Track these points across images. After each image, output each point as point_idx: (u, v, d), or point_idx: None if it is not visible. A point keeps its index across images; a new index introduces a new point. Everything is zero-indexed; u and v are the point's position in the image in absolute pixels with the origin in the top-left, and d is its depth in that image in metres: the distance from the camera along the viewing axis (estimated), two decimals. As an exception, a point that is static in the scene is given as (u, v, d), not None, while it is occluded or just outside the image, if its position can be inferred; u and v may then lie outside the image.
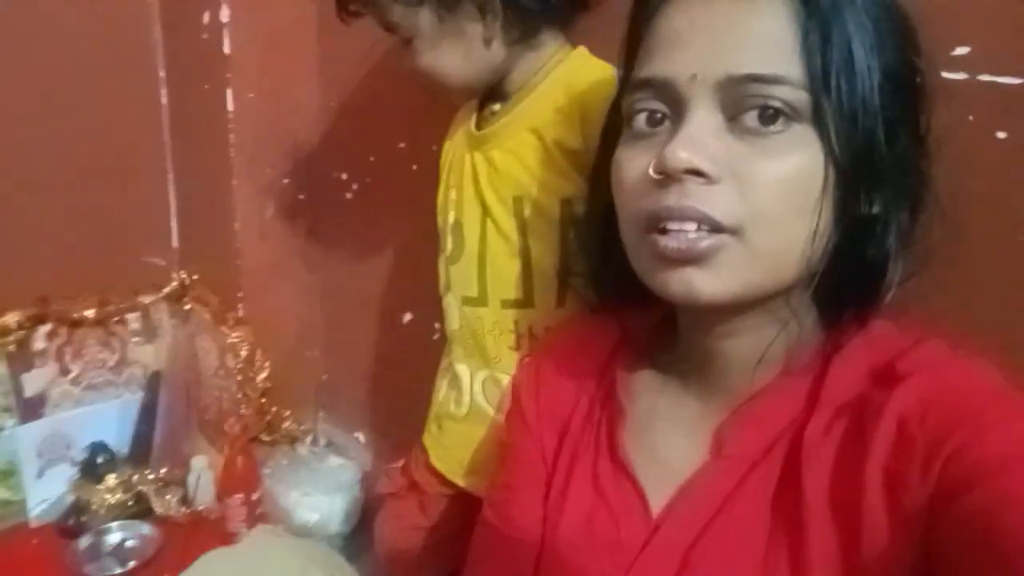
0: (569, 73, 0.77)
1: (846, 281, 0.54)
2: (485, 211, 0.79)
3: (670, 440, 0.61)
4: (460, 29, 0.74)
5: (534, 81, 0.78)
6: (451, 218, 0.84)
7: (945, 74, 0.60)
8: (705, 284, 0.51)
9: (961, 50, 0.62)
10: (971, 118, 0.62)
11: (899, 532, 0.46)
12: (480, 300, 0.81)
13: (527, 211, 0.77)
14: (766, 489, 0.53)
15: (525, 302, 0.78)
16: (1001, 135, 0.61)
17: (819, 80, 0.49)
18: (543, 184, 0.76)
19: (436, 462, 0.87)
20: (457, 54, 0.76)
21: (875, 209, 0.52)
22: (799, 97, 0.49)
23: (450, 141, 0.89)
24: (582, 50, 0.79)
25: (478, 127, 0.82)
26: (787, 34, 0.49)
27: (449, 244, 0.84)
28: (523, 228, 0.77)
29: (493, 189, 0.79)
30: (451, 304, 0.85)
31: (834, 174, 0.50)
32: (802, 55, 0.49)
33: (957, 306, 0.60)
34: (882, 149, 0.50)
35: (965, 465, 0.43)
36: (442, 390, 0.88)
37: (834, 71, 0.49)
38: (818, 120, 0.49)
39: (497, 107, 0.81)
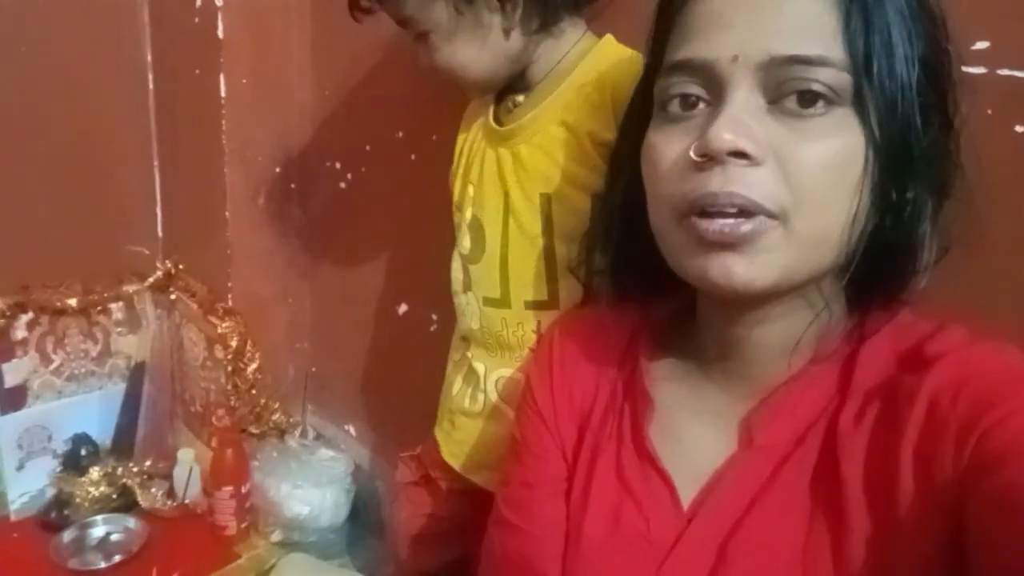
0: (599, 62, 0.74)
1: (877, 267, 0.53)
2: (508, 209, 0.77)
3: (696, 430, 0.59)
4: (478, 20, 0.72)
5: (559, 70, 0.76)
6: (468, 215, 0.81)
7: (964, 68, 0.60)
8: (744, 270, 0.50)
9: (981, 44, 0.63)
10: (990, 112, 0.62)
11: (934, 512, 0.46)
12: (503, 301, 0.79)
13: (555, 208, 0.74)
14: (802, 478, 0.53)
15: (550, 303, 0.77)
16: (1020, 129, 0.62)
17: (861, 64, 0.49)
18: (574, 179, 0.73)
19: (448, 457, 0.86)
20: (475, 47, 0.73)
21: (909, 194, 0.52)
22: (841, 79, 0.49)
23: (465, 134, 0.86)
24: (609, 38, 0.77)
25: (498, 121, 0.80)
26: (829, 16, 0.49)
27: (467, 242, 0.82)
28: (549, 227, 0.75)
29: (519, 186, 0.76)
30: (470, 303, 0.82)
31: (873, 158, 0.50)
32: (844, 38, 0.49)
33: (974, 295, 0.61)
34: (919, 134, 0.50)
35: (998, 443, 0.43)
36: (455, 385, 0.86)
37: (876, 55, 0.49)
38: (859, 104, 0.49)
39: (520, 98, 0.79)
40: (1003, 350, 0.50)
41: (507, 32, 0.73)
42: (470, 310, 0.82)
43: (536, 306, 0.77)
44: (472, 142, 0.84)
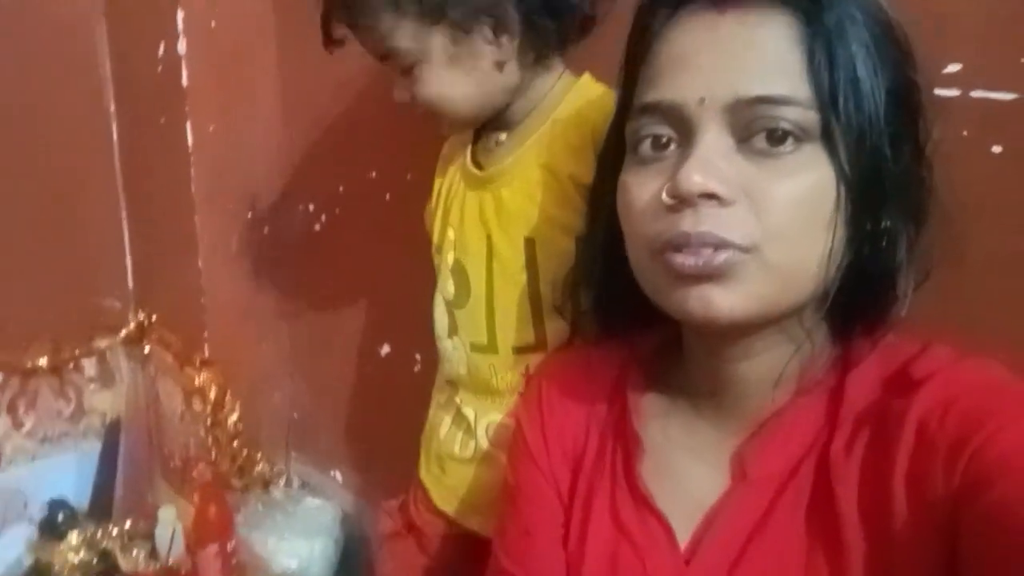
0: (578, 102, 0.74)
1: (857, 296, 0.54)
2: (491, 253, 0.76)
3: (688, 467, 0.59)
4: (473, 52, 0.70)
5: (541, 109, 0.75)
6: (450, 260, 0.80)
7: (938, 91, 0.61)
8: (723, 300, 0.50)
9: (953, 67, 0.63)
10: (965, 133, 0.63)
11: (928, 533, 0.46)
12: (490, 347, 0.77)
13: (539, 252, 0.73)
14: (797, 510, 0.52)
15: (537, 346, 0.75)
16: (996, 149, 0.62)
17: (827, 100, 0.49)
18: (556, 222, 0.72)
19: (439, 503, 0.84)
20: (469, 80, 0.71)
21: (884, 224, 0.52)
22: (808, 117, 0.49)
23: (442, 178, 0.85)
24: (587, 78, 0.76)
25: (477, 163, 0.79)
26: (793, 55, 0.50)
27: (451, 287, 0.80)
28: (534, 271, 0.74)
29: (502, 230, 0.75)
30: (457, 348, 0.81)
31: (845, 192, 0.50)
32: (809, 76, 0.49)
33: (957, 319, 0.61)
34: (889, 165, 0.51)
35: (987, 462, 0.43)
36: (442, 428, 0.84)
37: (841, 90, 0.49)
38: (827, 139, 0.49)
39: (503, 136, 0.78)
40: (987, 366, 0.50)
41: (500, 65, 0.71)
42: (457, 355, 0.81)
43: (523, 351, 0.76)
44: (450, 185, 0.82)
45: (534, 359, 0.76)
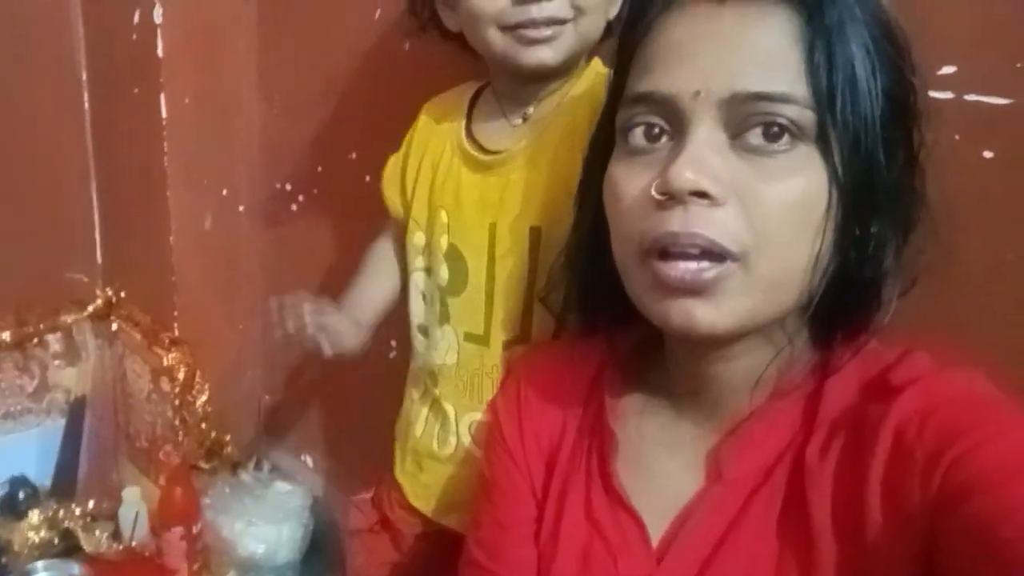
0: (590, 84, 0.72)
1: (841, 302, 0.53)
2: (494, 241, 0.73)
3: (664, 465, 0.59)
4: None
5: (563, 90, 0.73)
6: (444, 244, 0.77)
7: (932, 93, 0.60)
8: (706, 315, 0.49)
9: (947, 69, 0.62)
10: (958, 137, 0.62)
11: (902, 543, 0.46)
12: (484, 339, 0.75)
13: (544, 242, 0.71)
14: (770, 512, 0.52)
15: (522, 339, 0.74)
16: (988, 154, 0.62)
17: (824, 100, 0.48)
18: (567, 209, 0.71)
19: (415, 500, 0.82)
20: (601, 22, 0.71)
21: (873, 230, 0.52)
22: (805, 116, 0.48)
23: (420, 150, 0.81)
24: (597, 62, 0.74)
25: (477, 144, 0.75)
26: (792, 52, 0.48)
27: (445, 273, 0.77)
28: (535, 262, 0.72)
29: (508, 218, 0.72)
30: (446, 337, 0.78)
31: (837, 196, 0.49)
32: (807, 74, 0.48)
33: (943, 325, 0.60)
34: (882, 170, 0.50)
35: (965, 475, 0.43)
36: (419, 424, 0.82)
37: (839, 91, 0.48)
38: (822, 141, 0.48)
39: (531, 111, 0.74)
40: (968, 376, 0.50)
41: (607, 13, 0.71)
42: (445, 344, 0.78)
43: (510, 344, 0.75)
44: (437, 162, 0.78)
45: (515, 351, 0.74)
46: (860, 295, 0.53)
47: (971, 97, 0.62)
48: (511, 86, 0.74)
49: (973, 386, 0.49)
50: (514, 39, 0.68)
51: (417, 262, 0.80)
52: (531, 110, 0.74)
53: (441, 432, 0.79)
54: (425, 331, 0.81)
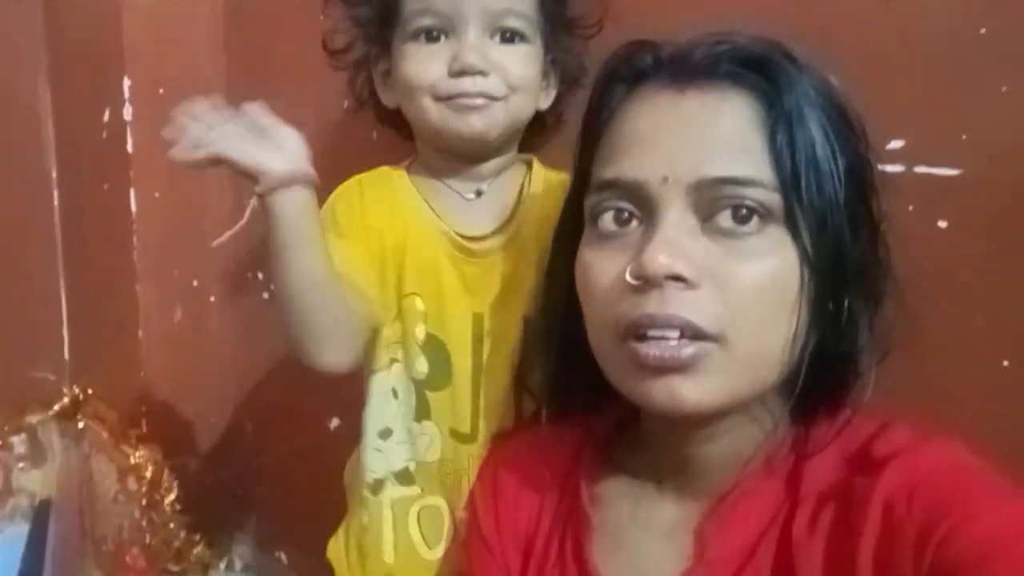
0: (548, 179, 0.75)
1: (820, 377, 0.53)
2: (480, 331, 0.71)
3: (647, 547, 0.58)
4: (540, 60, 0.73)
5: (513, 173, 0.76)
6: (420, 334, 0.72)
7: (883, 167, 0.62)
8: (690, 393, 0.49)
9: (896, 143, 0.64)
10: (911, 208, 0.63)
11: None
12: (471, 437, 0.72)
13: (530, 328, 0.70)
14: None
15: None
16: (942, 223, 0.63)
17: (789, 182, 0.49)
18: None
19: None
20: (535, 83, 0.73)
21: (845, 305, 0.52)
22: (772, 199, 0.49)
23: (386, 221, 0.74)
24: (537, 162, 0.78)
25: (451, 225, 0.74)
26: (755, 137, 0.50)
27: (423, 366, 0.73)
28: (521, 349, 0.71)
29: (498, 308, 0.71)
30: (426, 433, 0.74)
31: (809, 274, 0.50)
32: (771, 158, 0.49)
33: (919, 392, 0.60)
34: (849, 248, 0.51)
35: (956, 550, 0.43)
36: (387, 543, 0.76)
37: (803, 173, 0.49)
38: (790, 222, 0.50)
39: (484, 187, 0.75)
40: (949, 447, 0.50)
41: (544, 89, 0.75)
42: (424, 440, 0.74)
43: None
44: (401, 242, 0.73)
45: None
46: (838, 370, 0.54)
47: (921, 169, 0.63)
48: (450, 163, 0.75)
49: (955, 457, 0.49)
50: (449, 108, 0.69)
51: (383, 358, 0.74)
52: (484, 186, 0.75)
53: (429, 532, 0.75)
54: (388, 434, 0.75)
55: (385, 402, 0.75)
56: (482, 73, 0.68)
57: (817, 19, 0.66)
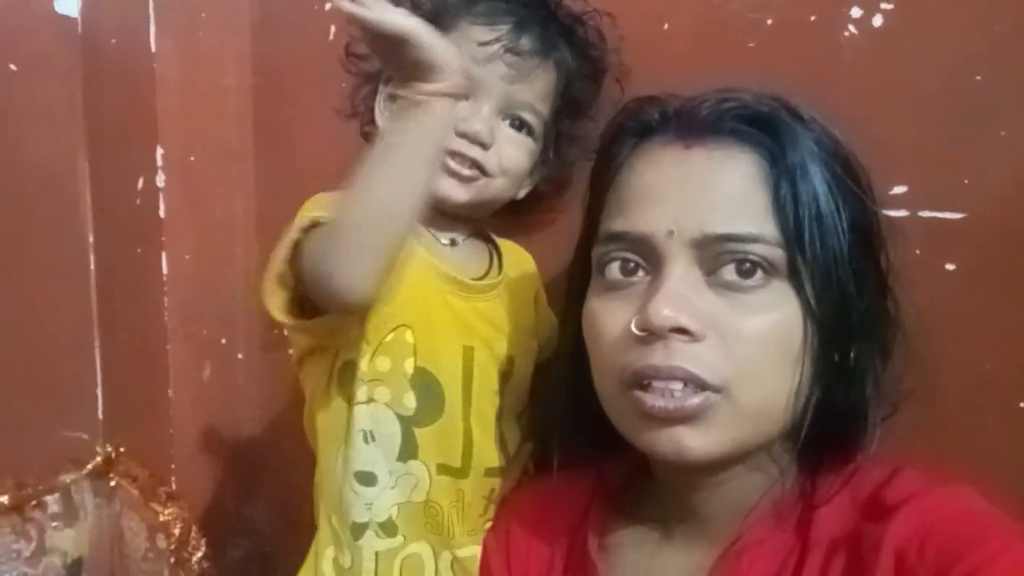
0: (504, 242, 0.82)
1: (827, 428, 0.53)
2: (471, 367, 0.72)
3: None
4: (535, 149, 0.76)
5: (485, 242, 0.81)
6: (409, 368, 0.71)
7: (887, 212, 0.63)
8: (695, 443, 0.50)
9: (899, 189, 0.65)
10: (918, 252, 0.64)
11: None
12: (462, 472, 0.71)
13: (516, 370, 0.74)
14: None
15: (503, 470, 0.74)
16: (950, 267, 0.63)
17: (792, 238, 0.50)
18: (527, 345, 0.75)
19: None
20: (526, 170, 0.77)
21: (851, 359, 0.53)
22: (775, 254, 0.50)
23: None
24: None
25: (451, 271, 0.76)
26: (759, 194, 0.51)
27: (412, 401, 0.71)
28: (505, 388, 0.74)
29: (489, 346, 0.73)
30: (413, 474, 0.72)
31: (812, 328, 0.51)
32: (775, 213, 0.51)
33: (930, 437, 0.60)
34: (855, 301, 0.52)
35: None
36: None
37: (807, 229, 0.50)
38: (794, 276, 0.50)
39: (457, 238, 0.79)
40: (960, 492, 0.50)
41: (532, 173, 0.78)
42: (409, 481, 0.71)
43: (493, 473, 0.74)
44: (400, 272, 0.70)
45: (498, 483, 0.74)
46: (845, 421, 0.54)
47: (926, 213, 0.64)
48: (435, 215, 0.75)
49: (966, 502, 0.49)
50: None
51: (361, 393, 0.72)
52: (458, 238, 0.79)
53: None
54: (372, 480, 0.72)
55: (360, 444, 0.72)
56: (484, 145, 0.70)
57: (818, 69, 0.68)
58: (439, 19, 0.71)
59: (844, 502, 0.53)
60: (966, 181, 0.63)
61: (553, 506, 0.66)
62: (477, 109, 0.71)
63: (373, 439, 0.71)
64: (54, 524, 1.33)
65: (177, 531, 1.17)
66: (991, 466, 0.57)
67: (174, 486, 1.23)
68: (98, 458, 1.33)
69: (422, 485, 0.72)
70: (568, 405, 0.64)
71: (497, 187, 0.74)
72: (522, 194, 0.79)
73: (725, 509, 0.56)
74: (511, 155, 0.73)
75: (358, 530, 0.73)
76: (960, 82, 0.63)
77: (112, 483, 1.31)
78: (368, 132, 0.83)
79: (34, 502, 1.30)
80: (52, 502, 1.33)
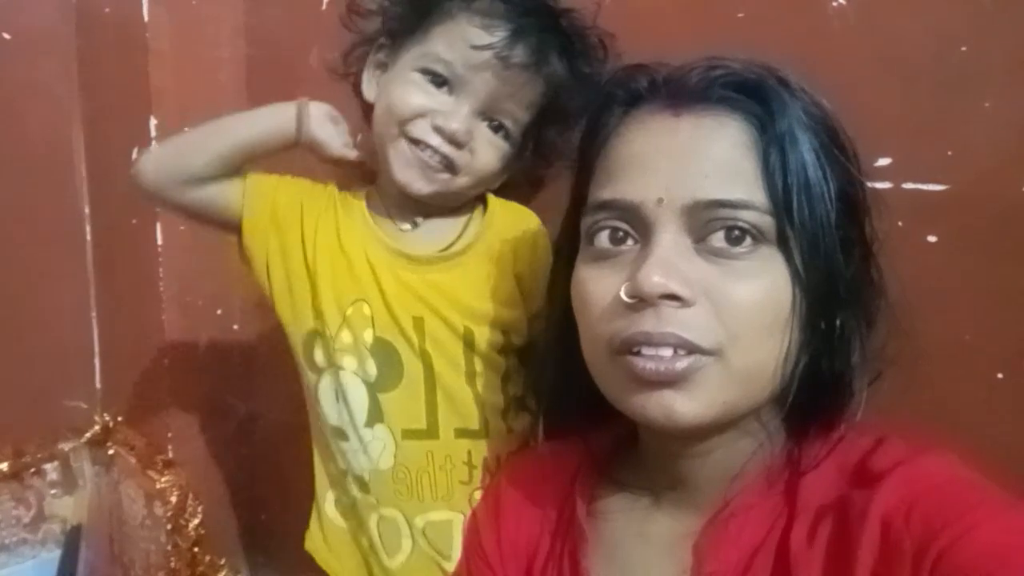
0: (509, 209, 0.80)
1: (814, 395, 0.54)
2: (423, 335, 0.74)
3: (644, 561, 0.58)
4: (516, 147, 0.77)
5: (459, 218, 0.80)
6: (368, 337, 0.75)
7: (871, 184, 0.63)
8: (684, 407, 0.50)
9: (883, 161, 0.65)
10: (901, 224, 0.64)
11: None
12: (429, 432, 0.74)
13: (477, 338, 0.74)
14: None
15: (479, 432, 0.75)
16: (932, 239, 0.64)
17: (781, 205, 0.50)
18: (493, 314, 0.74)
19: None
20: (502, 167, 0.77)
21: (838, 325, 0.53)
22: (764, 221, 0.50)
23: (327, 235, 0.79)
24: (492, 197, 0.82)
25: (393, 238, 0.79)
26: (748, 160, 0.51)
27: (371, 367, 0.75)
28: (471, 355, 0.74)
29: (439, 315, 0.74)
30: (378, 438, 0.75)
31: (800, 295, 0.51)
32: (764, 180, 0.51)
33: (911, 406, 0.61)
34: (841, 268, 0.52)
35: (955, 563, 0.43)
36: (368, 531, 0.78)
37: (795, 196, 0.51)
38: (783, 243, 0.51)
39: (419, 220, 0.79)
40: (944, 460, 0.50)
41: (507, 165, 0.77)
42: (377, 446, 0.75)
43: (467, 434, 0.75)
44: (349, 246, 0.77)
45: (476, 445, 0.75)
46: (832, 388, 0.55)
47: (909, 185, 0.65)
48: (398, 196, 0.78)
49: (951, 470, 0.50)
50: (407, 148, 0.73)
51: (330, 360, 0.77)
52: (419, 220, 0.79)
53: (387, 541, 0.76)
54: (342, 434, 0.77)
55: (331, 404, 0.77)
56: (458, 145, 0.71)
57: (802, 40, 0.68)
58: (430, 17, 0.72)
59: (830, 469, 0.53)
60: (950, 153, 0.63)
61: (542, 474, 0.67)
62: (458, 108, 0.72)
63: (340, 400, 0.76)
64: (53, 491, 1.35)
65: (174, 499, 1.18)
66: (970, 434, 0.57)
67: (171, 455, 1.25)
68: (96, 427, 1.35)
69: (388, 451, 0.75)
70: (556, 373, 0.64)
71: (461, 184, 0.75)
72: (496, 184, 0.80)
73: (713, 475, 0.56)
74: (483, 157, 0.74)
75: (337, 479, 0.81)
76: (945, 53, 0.63)
77: (110, 451, 1.33)
78: (357, 94, 0.83)
79: (33, 470, 1.32)
80: (51, 470, 1.35)
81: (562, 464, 0.66)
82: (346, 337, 0.75)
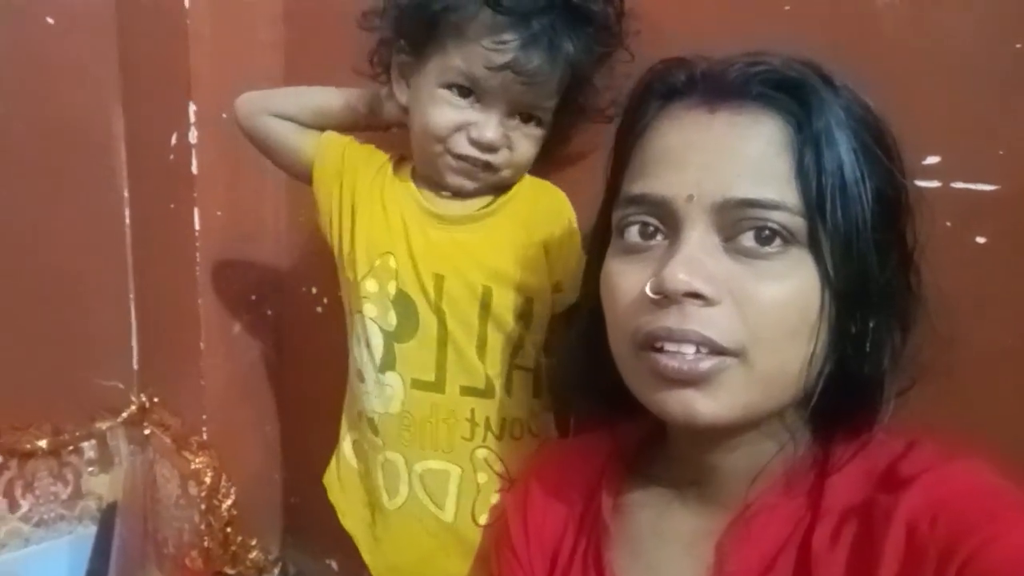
0: (534, 190, 0.81)
1: (841, 399, 0.53)
2: (440, 292, 0.77)
3: (669, 557, 0.58)
4: (542, 137, 0.78)
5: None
6: (392, 289, 0.79)
7: (919, 182, 0.61)
8: (705, 407, 0.50)
9: (932, 159, 0.64)
10: (949, 224, 0.63)
11: None
12: (436, 386, 0.77)
13: (495, 301, 0.76)
14: None
15: (486, 392, 0.77)
16: (980, 240, 0.62)
17: (814, 206, 0.49)
18: (514, 276, 0.76)
19: (367, 555, 0.84)
20: (518, 176, 0.79)
21: (869, 330, 0.52)
22: (795, 222, 0.49)
23: (372, 185, 0.83)
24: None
25: (430, 201, 0.81)
26: (781, 160, 0.50)
27: (392, 318, 0.79)
28: (485, 316, 0.76)
29: (458, 273, 0.76)
30: (391, 384, 0.79)
31: (830, 298, 0.50)
32: (797, 181, 0.50)
33: (947, 412, 0.59)
34: (875, 272, 0.51)
35: (980, 572, 0.43)
36: (373, 470, 0.83)
37: (828, 197, 0.49)
38: (814, 245, 0.50)
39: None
40: (974, 467, 0.50)
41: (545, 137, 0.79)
42: (388, 391, 0.79)
43: (472, 392, 0.77)
44: (389, 204, 0.82)
45: (480, 404, 0.77)
46: (860, 393, 0.54)
47: (958, 185, 0.63)
48: (432, 180, 0.81)
49: (980, 478, 0.49)
50: (452, 161, 0.76)
51: (357, 306, 0.81)
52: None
53: (388, 482, 0.80)
54: (361, 376, 0.81)
55: (357, 346, 0.82)
56: (495, 150, 0.75)
57: (850, 34, 0.66)
58: (440, 31, 0.74)
59: (857, 472, 0.52)
60: (1001, 152, 0.61)
61: (571, 467, 0.67)
62: (488, 118, 0.74)
63: (366, 346, 0.81)
64: (90, 469, 1.39)
65: (208, 479, 1.20)
66: (1007, 443, 0.56)
67: (205, 436, 1.26)
68: (132, 407, 1.38)
69: (397, 397, 0.78)
70: (585, 365, 0.64)
71: (504, 176, 0.78)
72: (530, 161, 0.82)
73: (737, 474, 0.56)
74: (521, 149, 0.77)
75: (354, 422, 0.86)
76: (998, 49, 0.61)
77: (146, 431, 1.36)
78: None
79: (71, 447, 1.36)
80: (88, 448, 1.39)
81: (590, 457, 0.66)
82: (371, 286, 0.80)
